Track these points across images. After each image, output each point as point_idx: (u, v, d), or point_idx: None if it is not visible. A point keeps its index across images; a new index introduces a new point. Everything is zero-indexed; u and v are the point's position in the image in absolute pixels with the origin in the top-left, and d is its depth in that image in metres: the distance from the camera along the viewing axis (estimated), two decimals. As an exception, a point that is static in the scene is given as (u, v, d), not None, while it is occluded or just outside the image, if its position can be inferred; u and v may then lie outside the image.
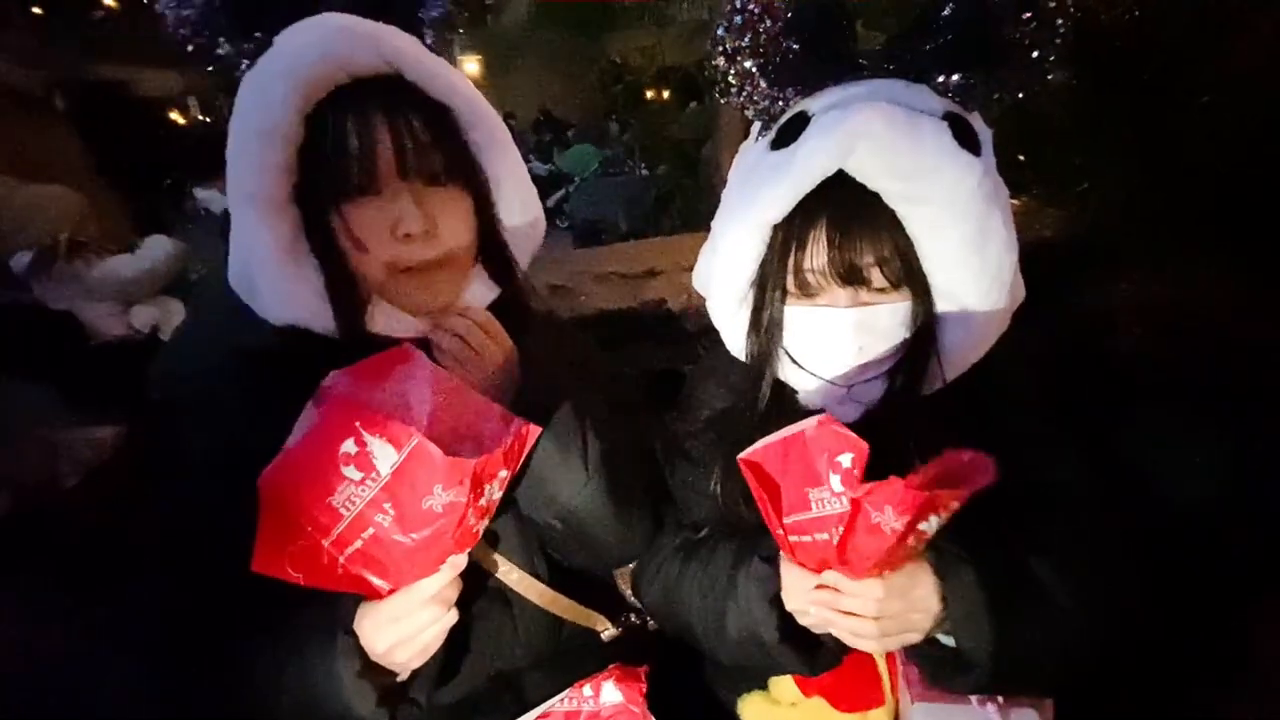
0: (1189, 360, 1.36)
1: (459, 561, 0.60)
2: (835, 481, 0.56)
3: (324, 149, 0.64)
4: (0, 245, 2.13)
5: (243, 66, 0.65)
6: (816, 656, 0.66)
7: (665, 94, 3.68)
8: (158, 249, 2.36)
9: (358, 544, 0.55)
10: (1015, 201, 2.46)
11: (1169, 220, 1.81)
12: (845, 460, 0.56)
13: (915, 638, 0.63)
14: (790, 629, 0.66)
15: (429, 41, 0.72)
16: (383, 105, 0.64)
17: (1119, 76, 2.24)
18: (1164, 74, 2.11)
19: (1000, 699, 0.64)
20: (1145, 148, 2.09)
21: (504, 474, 0.59)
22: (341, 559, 0.55)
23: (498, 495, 0.60)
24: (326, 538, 0.54)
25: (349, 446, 0.52)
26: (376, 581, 0.57)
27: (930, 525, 0.57)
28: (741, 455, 0.61)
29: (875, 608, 0.60)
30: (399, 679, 0.63)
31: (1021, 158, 2.71)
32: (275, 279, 0.66)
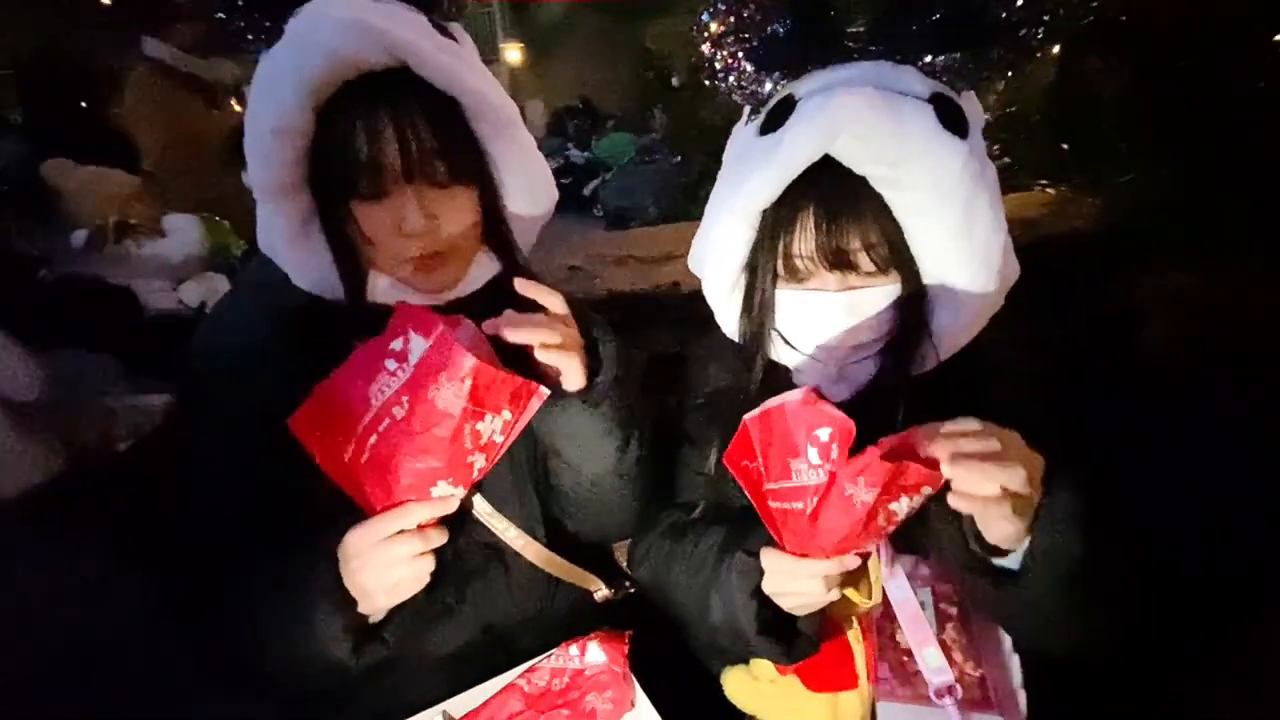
0: (1222, 354, 1.32)
1: (450, 496, 0.61)
2: (813, 454, 0.58)
3: (333, 148, 0.66)
4: (60, 224, 2.29)
5: (260, 51, 0.68)
6: (793, 647, 0.68)
7: (694, 80, 3.66)
8: (185, 230, 2.50)
9: (372, 440, 0.59)
10: (1052, 190, 2.39)
11: (1216, 211, 1.74)
12: (823, 434, 0.57)
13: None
14: (770, 620, 0.67)
15: (446, 7, 0.73)
16: (390, 105, 0.66)
17: (1168, 62, 2.14)
18: (1215, 59, 2.01)
19: (960, 694, 0.64)
20: (1195, 136, 2.00)
21: (507, 415, 0.61)
22: (350, 455, 0.60)
23: (500, 439, 0.62)
24: (354, 432, 0.59)
25: (396, 343, 0.59)
26: (373, 498, 0.61)
27: (900, 506, 0.58)
28: (746, 417, 0.63)
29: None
30: (371, 618, 0.65)
31: (1065, 146, 2.62)
32: (291, 253, 0.72)
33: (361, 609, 0.63)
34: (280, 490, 0.69)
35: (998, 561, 0.62)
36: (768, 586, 0.66)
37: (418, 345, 0.59)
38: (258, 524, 0.70)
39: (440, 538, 0.63)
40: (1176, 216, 1.79)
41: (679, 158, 4.20)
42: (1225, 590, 0.99)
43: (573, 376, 0.69)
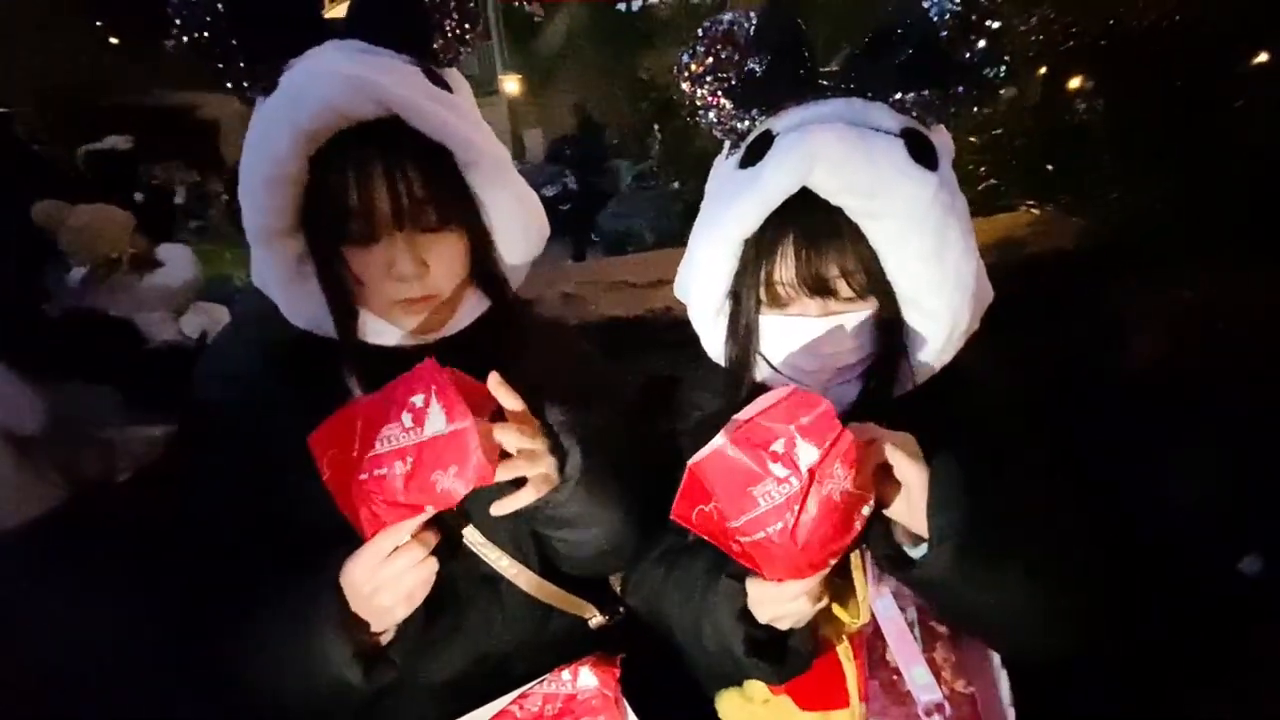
0: (1209, 369, 1.33)
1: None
2: (777, 469, 0.58)
3: (326, 195, 0.68)
4: (58, 261, 2.33)
5: (259, 99, 0.70)
6: (785, 666, 0.68)
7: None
8: (182, 258, 2.54)
9: (368, 475, 0.61)
10: (1036, 211, 2.42)
11: (1201, 227, 1.77)
12: (779, 446, 0.58)
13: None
14: (760, 641, 0.68)
15: (441, 57, 0.74)
16: (381, 154, 0.67)
17: (1152, 83, 2.19)
18: (1195, 79, 2.06)
19: (949, 712, 0.65)
20: (1178, 153, 2.04)
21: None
22: (354, 481, 0.62)
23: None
24: (359, 462, 0.61)
25: (418, 399, 0.61)
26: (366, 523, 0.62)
27: (840, 479, 0.58)
28: (691, 462, 0.61)
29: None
30: (383, 639, 0.67)
31: (1050, 167, 2.67)
32: (284, 292, 0.74)
33: (375, 628, 0.65)
34: (276, 520, 0.71)
35: (911, 552, 0.65)
36: (758, 615, 0.67)
37: (436, 419, 0.60)
38: (255, 553, 0.71)
39: (433, 539, 0.65)
40: (1162, 233, 1.82)
41: (676, 184, 4.28)
42: (1219, 604, 0.99)
43: (537, 484, 0.69)
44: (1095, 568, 0.69)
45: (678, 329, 1.51)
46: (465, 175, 0.73)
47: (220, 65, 0.68)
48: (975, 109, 0.66)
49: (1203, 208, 1.84)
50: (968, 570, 0.61)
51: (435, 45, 0.74)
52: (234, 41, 0.67)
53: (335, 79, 0.66)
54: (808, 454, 0.57)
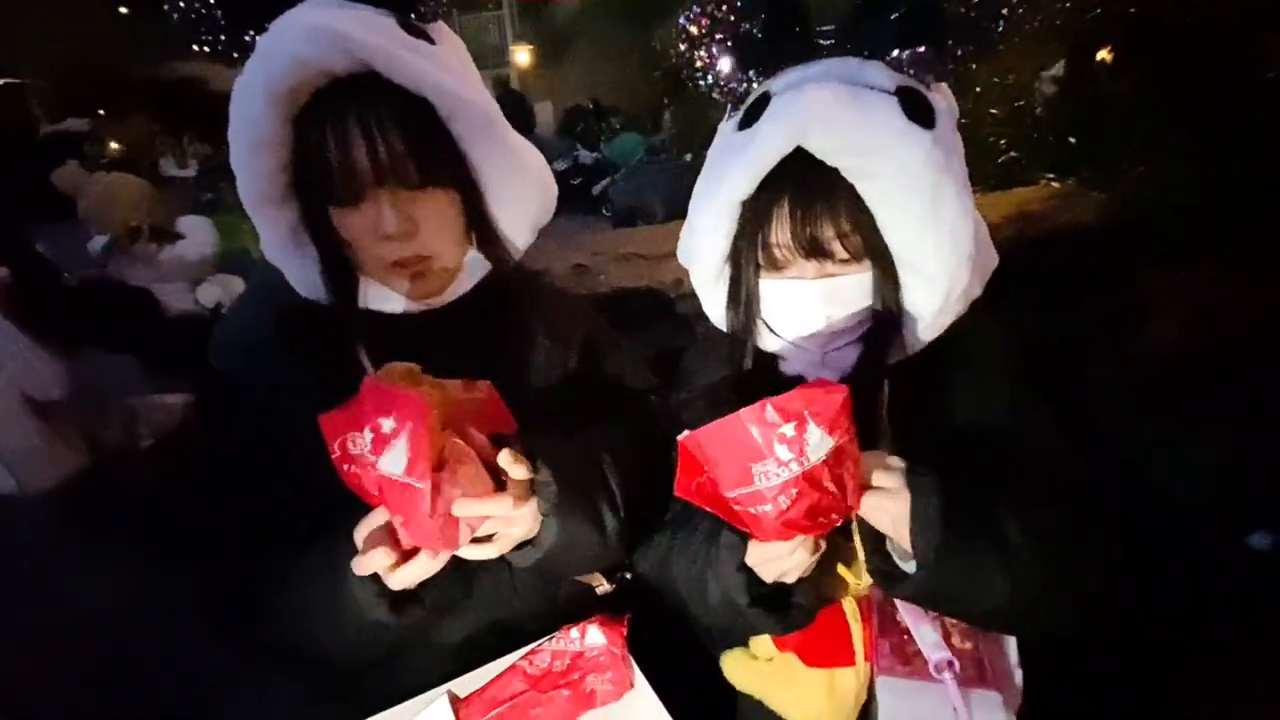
0: (1231, 350, 1.31)
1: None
2: (782, 451, 0.55)
3: (309, 156, 0.67)
4: (75, 229, 2.35)
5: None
6: (787, 617, 0.69)
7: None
8: (202, 231, 2.56)
9: (348, 467, 0.60)
10: (1057, 185, 2.37)
11: (1229, 205, 1.73)
12: (789, 429, 0.55)
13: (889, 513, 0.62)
14: (764, 593, 0.68)
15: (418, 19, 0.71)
16: (358, 111, 0.66)
17: (1182, 53, 2.12)
18: (1227, 50, 1.99)
19: (958, 668, 0.66)
20: (1206, 128, 1.98)
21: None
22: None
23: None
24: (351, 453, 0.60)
25: (386, 423, 0.57)
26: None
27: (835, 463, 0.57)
28: (681, 437, 0.59)
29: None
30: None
31: (1072, 140, 2.60)
32: (285, 261, 0.74)
33: None
34: (291, 484, 0.72)
35: (903, 566, 0.65)
36: (753, 564, 0.67)
37: (396, 457, 0.57)
38: (272, 513, 0.72)
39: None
40: (1188, 210, 1.77)
41: (688, 157, 4.23)
42: (1227, 585, 0.99)
43: (503, 544, 0.67)
44: (1101, 553, 0.68)
45: (688, 301, 1.52)
46: (450, 129, 0.70)
47: (204, 33, 0.67)
48: (974, 65, 0.64)
49: (1231, 185, 1.79)
50: (954, 590, 0.62)
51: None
52: (217, 9, 0.66)
53: (298, 30, 0.64)
54: (816, 441, 0.56)
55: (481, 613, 0.79)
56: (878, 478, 0.62)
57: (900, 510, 0.61)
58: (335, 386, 0.75)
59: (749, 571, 0.68)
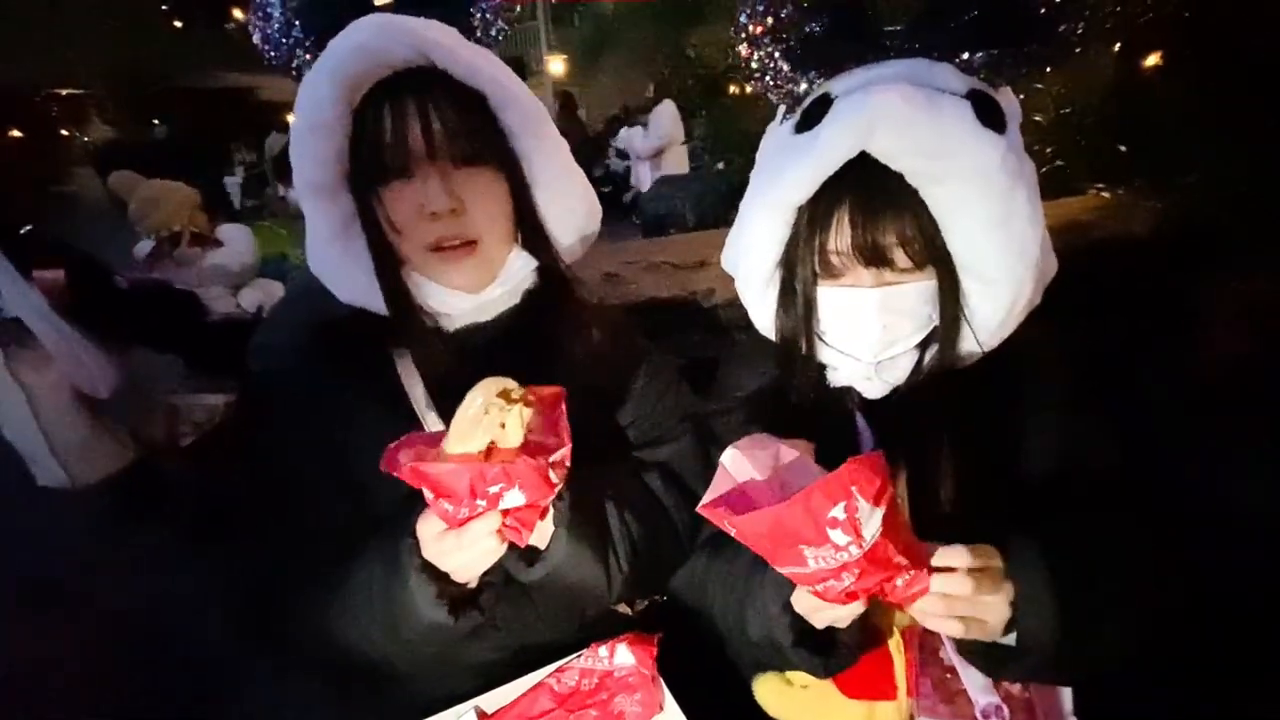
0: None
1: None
2: (838, 536, 0.50)
3: (365, 137, 0.70)
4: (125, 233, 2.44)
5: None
6: (831, 659, 0.65)
7: (738, 88, 3.66)
8: (242, 240, 2.63)
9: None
10: (1108, 194, 2.28)
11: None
12: (839, 513, 0.50)
13: (989, 620, 0.58)
14: (806, 631, 0.65)
15: (479, 33, 0.77)
16: (415, 92, 0.70)
17: (1236, 59, 2.03)
18: (1281, 57, 1.89)
19: (1006, 715, 0.62)
20: (1262, 135, 1.89)
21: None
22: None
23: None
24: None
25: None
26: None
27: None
28: (723, 524, 0.54)
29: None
30: (468, 585, 0.67)
31: (1123, 148, 2.51)
32: (335, 260, 0.75)
33: (456, 579, 0.66)
34: (331, 486, 0.72)
35: (999, 640, 0.61)
36: (798, 607, 0.64)
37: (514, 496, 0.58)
38: (303, 513, 0.73)
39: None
40: (1243, 220, 1.69)
41: (720, 165, 4.20)
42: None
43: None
44: (1168, 581, 0.65)
45: (720, 311, 1.50)
46: (501, 118, 0.74)
47: (274, 51, 0.73)
48: (1048, 69, 0.61)
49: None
50: (1070, 660, 0.60)
51: (474, 21, 0.77)
52: (295, 30, 0.72)
53: (367, 23, 0.70)
54: (867, 516, 0.50)
55: (506, 640, 0.78)
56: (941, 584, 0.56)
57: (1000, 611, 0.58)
58: (369, 392, 0.75)
59: (793, 610, 0.64)
